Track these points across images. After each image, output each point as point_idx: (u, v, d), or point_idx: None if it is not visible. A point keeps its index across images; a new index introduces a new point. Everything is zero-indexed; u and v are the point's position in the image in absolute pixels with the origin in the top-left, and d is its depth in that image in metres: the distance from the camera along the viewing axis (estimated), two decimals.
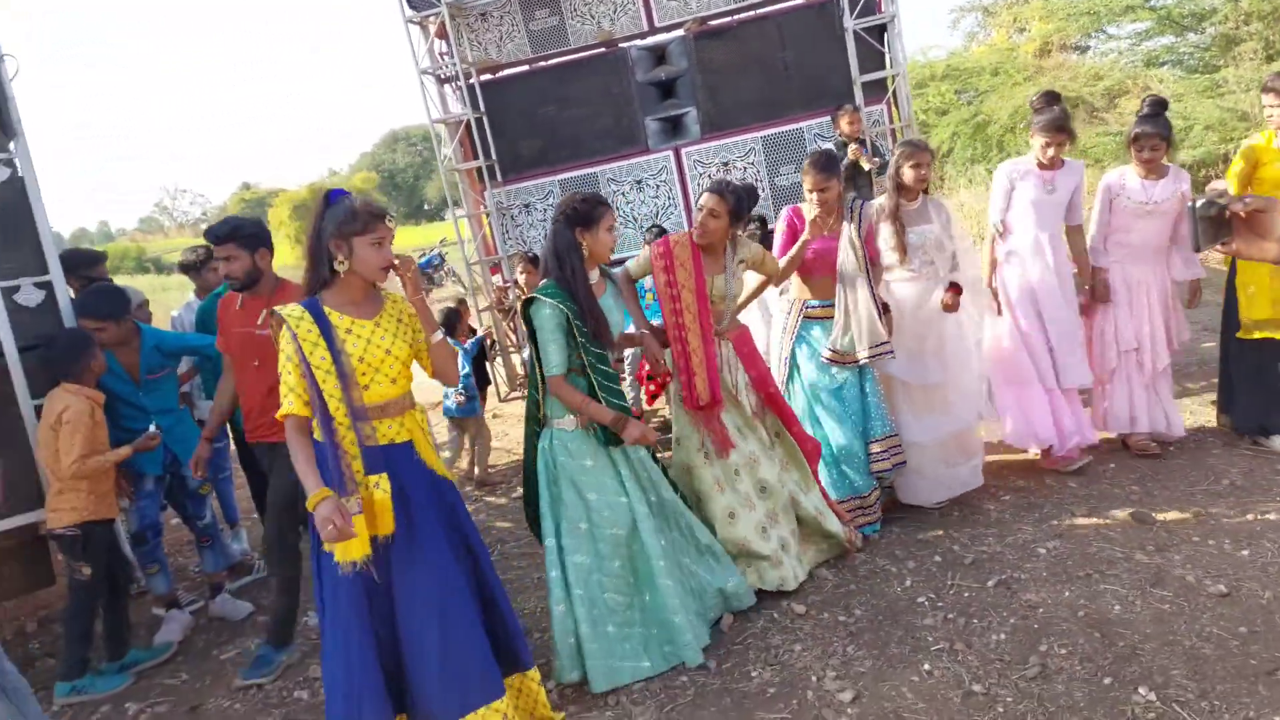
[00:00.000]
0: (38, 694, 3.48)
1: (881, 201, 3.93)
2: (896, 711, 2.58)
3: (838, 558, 3.63)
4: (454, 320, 5.78)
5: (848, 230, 3.75)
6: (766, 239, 4.62)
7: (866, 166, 5.13)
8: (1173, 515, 3.60)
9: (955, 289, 3.84)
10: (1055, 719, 2.44)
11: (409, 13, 5.77)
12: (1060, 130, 3.97)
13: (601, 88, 5.86)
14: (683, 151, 5.83)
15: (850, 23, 5.39)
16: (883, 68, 5.52)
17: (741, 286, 3.53)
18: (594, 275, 3.00)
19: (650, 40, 5.91)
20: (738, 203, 3.35)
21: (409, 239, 32.21)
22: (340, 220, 2.41)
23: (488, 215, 6.04)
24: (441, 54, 6.04)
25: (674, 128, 5.87)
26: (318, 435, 2.39)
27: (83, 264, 4.11)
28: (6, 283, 3.42)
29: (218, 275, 4.16)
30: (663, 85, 5.82)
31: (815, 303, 3.86)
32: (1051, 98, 4.08)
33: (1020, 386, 4.18)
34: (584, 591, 2.90)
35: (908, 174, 3.82)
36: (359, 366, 2.40)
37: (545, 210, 5.95)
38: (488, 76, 6.04)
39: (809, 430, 3.77)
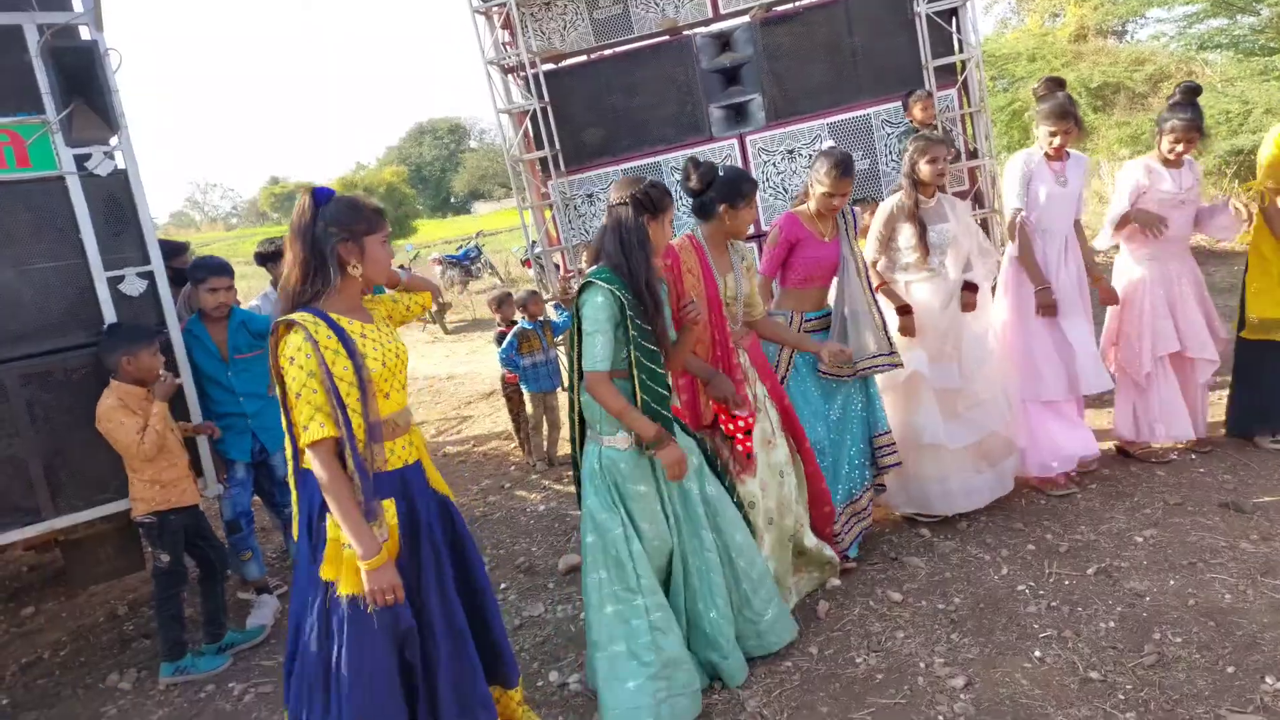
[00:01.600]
0: (139, 674, 3.59)
1: (898, 200, 3.79)
2: (1013, 697, 2.57)
3: (926, 545, 3.62)
4: (504, 301, 5.98)
5: (846, 236, 3.62)
6: None
7: None
8: (1270, 502, 3.55)
9: (972, 288, 3.79)
10: (1179, 704, 2.42)
11: (476, 3, 5.80)
12: (1066, 117, 3.82)
13: (665, 76, 5.84)
14: (747, 139, 5.79)
15: (922, 6, 5.32)
16: (953, 51, 5.45)
17: (752, 285, 3.31)
18: None
19: (715, 27, 5.87)
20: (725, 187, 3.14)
21: (437, 232, 32.43)
22: (345, 220, 2.18)
23: (550, 206, 6.05)
24: (505, 44, 6.06)
25: (738, 115, 5.84)
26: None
27: (167, 255, 4.19)
28: (112, 272, 3.49)
29: None
30: (727, 72, 5.79)
31: (814, 314, 3.70)
32: (1055, 84, 3.94)
33: (1040, 404, 3.98)
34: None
35: (924, 170, 3.69)
36: (382, 372, 2.19)
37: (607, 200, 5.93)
38: (550, 66, 6.04)
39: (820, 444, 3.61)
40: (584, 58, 6.18)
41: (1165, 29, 16.35)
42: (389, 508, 2.19)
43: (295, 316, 2.12)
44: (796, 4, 5.88)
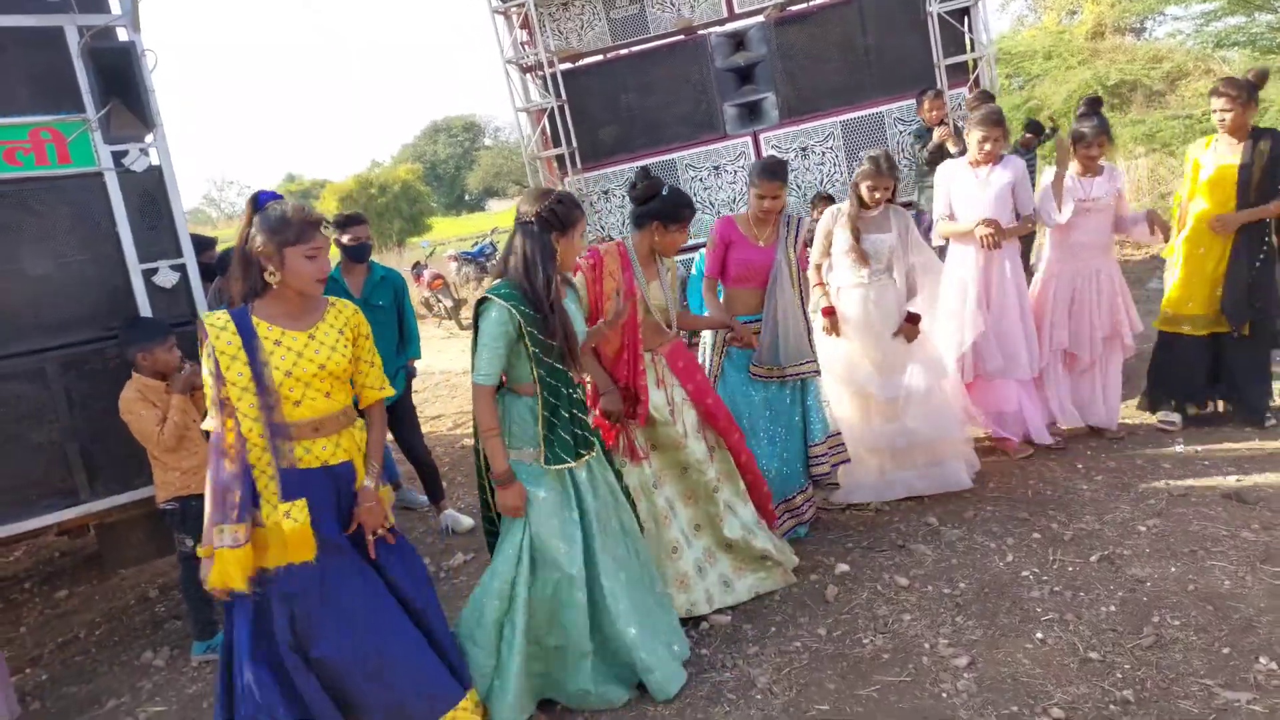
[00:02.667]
0: (171, 652, 3.73)
1: (838, 207, 3.97)
2: (1014, 676, 2.66)
3: (933, 533, 3.71)
4: None
5: (784, 243, 3.68)
6: None
7: (954, 150, 5.16)
8: (1273, 494, 3.61)
9: (913, 319, 3.94)
10: (1175, 683, 2.51)
11: (495, 3, 5.93)
12: (997, 124, 4.07)
13: (680, 75, 5.95)
14: (761, 137, 5.90)
15: (934, 6, 5.41)
16: (965, 50, 5.53)
17: (677, 295, 3.40)
18: None
19: (729, 27, 5.98)
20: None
21: (451, 229, 32.60)
22: (271, 227, 2.24)
23: None
24: (523, 44, 6.18)
25: (752, 113, 5.94)
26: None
27: (195, 249, 4.33)
28: (146, 265, 3.63)
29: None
30: (741, 71, 5.90)
31: (745, 317, 3.74)
32: (986, 96, 4.20)
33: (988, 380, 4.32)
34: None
35: (864, 192, 3.82)
36: (286, 381, 2.27)
37: (623, 197, 6.07)
38: (568, 65, 6.16)
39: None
40: (600, 57, 6.30)
41: (1183, 26, 16.29)
42: (295, 511, 2.24)
43: (207, 318, 2.28)
44: (810, 4, 5.98)
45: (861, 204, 3.87)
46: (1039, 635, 2.85)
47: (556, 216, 2.60)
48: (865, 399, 4.04)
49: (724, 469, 3.41)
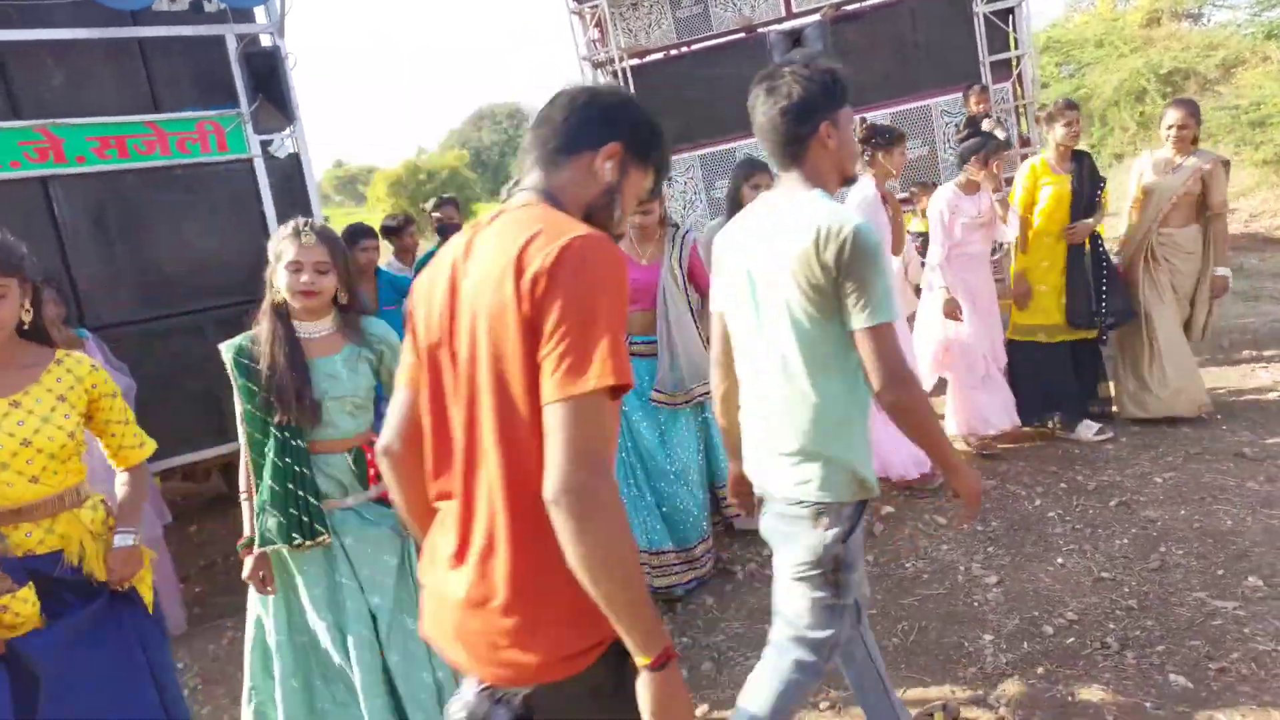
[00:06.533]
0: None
1: (717, 224, 3.82)
2: (1036, 590, 3.13)
3: None
4: None
5: (668, 260, 3.47)
6: None
7: (1001, 135, 5.56)
8: None
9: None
10: (1173, 595, 2.97)
11: (571, 4, 6.45)
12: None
13: (741, 70, 6.37)
14: None
15: (980, 6, 5.80)
16: (1009, 48, 5.91)
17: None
18: (325, 325, 2.33)
19: (788, 25, 6.42)
20: None
21: None
22: None
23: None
24: (594, 41, 6.69)
25: None
26: None
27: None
28: None
29: (414, 239, 5.01)
30: None
31: (637, 339, 3.46)
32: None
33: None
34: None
35: (748, 195, 3.61)
36: None
37: (685, 184, 6.57)
38: (635, 61, 6.66)
39: (631, 480, 3.44)
40: (666, 53, 6.79)
41: (1238, 15, 16.16)
42: (27, 594, 1.91)
43: None
44: (864, 3, 6.41)
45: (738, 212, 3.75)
46: (1059, 560, 3.32)
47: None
48: None
49: None
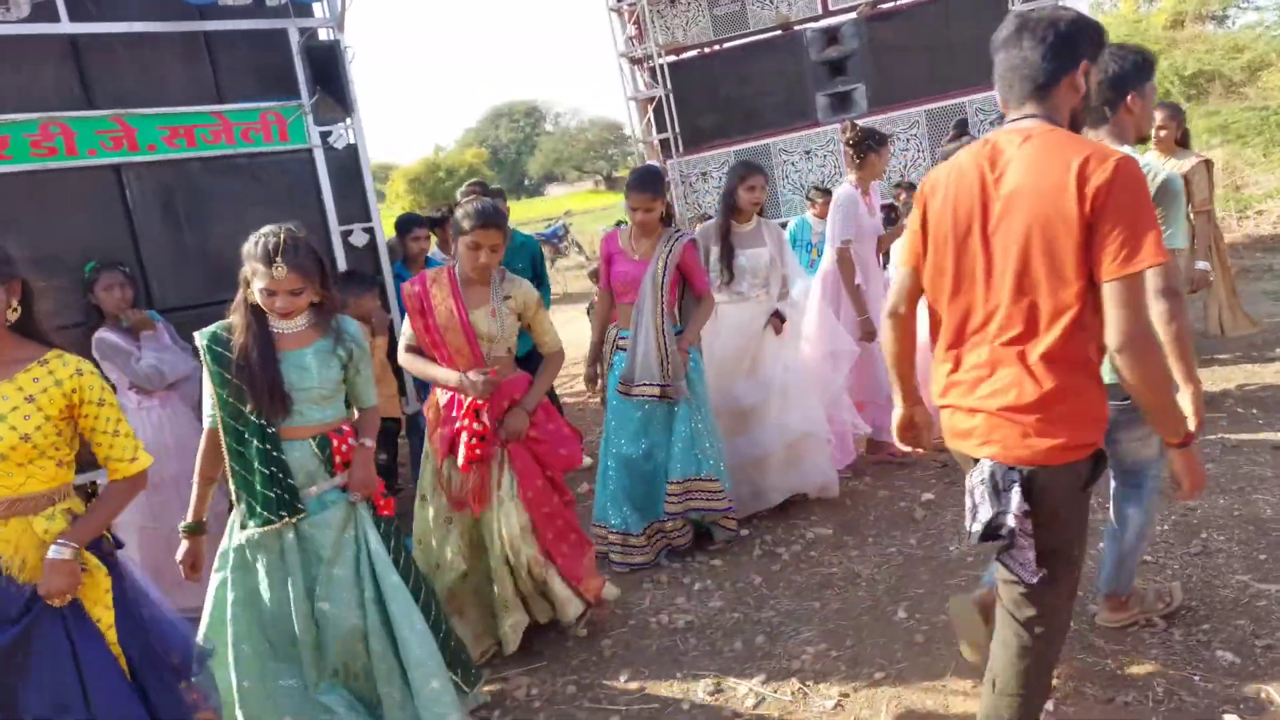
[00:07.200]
0: None
1: (711, 222, 3.93)
2: (1083, 572, 3.21)
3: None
4: None
5: (656, 259, 3.57)
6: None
7: None
8: None
9: (780, 316, 3.94)
10: (1216, 578, 3.04)
11: (612, 2, 6.57)
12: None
13: (776, 67, 6.51)
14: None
15: (1017, 5, 5.86)
16: None
17: (514, 327, 3.03)
18: (299, 322, 2.45)
19: (824, 23, 6.51)
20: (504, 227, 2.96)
21: (513, 213, 33.42)
22: None
23: (669, 184, 6.80)
24: (631, 38, 6.80)
25: (842, 102, 6.47)
26: None
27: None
28: (344, 227, 4.35)
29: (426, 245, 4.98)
30: (834, 64, 6.42)
31: (626, 333, 3.66)
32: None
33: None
34: None
35: (742, 197, 3.71)
36: None
37: (720, 179, 6.66)
38: (672, 58, 6.76)
39: (614, 463, 3.65)
40: (703, 50, 6.89)
41: (1265, 17, 16.08)
42: None
43: None
44: (900, 1, 6.48)
45: (733, 214, 3.83)
46: (1100, 545, 3.39)
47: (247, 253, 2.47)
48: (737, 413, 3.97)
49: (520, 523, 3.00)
